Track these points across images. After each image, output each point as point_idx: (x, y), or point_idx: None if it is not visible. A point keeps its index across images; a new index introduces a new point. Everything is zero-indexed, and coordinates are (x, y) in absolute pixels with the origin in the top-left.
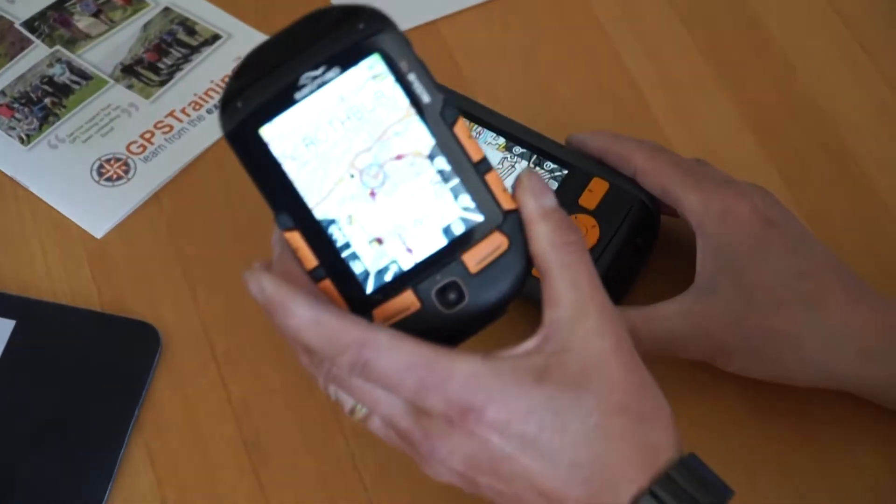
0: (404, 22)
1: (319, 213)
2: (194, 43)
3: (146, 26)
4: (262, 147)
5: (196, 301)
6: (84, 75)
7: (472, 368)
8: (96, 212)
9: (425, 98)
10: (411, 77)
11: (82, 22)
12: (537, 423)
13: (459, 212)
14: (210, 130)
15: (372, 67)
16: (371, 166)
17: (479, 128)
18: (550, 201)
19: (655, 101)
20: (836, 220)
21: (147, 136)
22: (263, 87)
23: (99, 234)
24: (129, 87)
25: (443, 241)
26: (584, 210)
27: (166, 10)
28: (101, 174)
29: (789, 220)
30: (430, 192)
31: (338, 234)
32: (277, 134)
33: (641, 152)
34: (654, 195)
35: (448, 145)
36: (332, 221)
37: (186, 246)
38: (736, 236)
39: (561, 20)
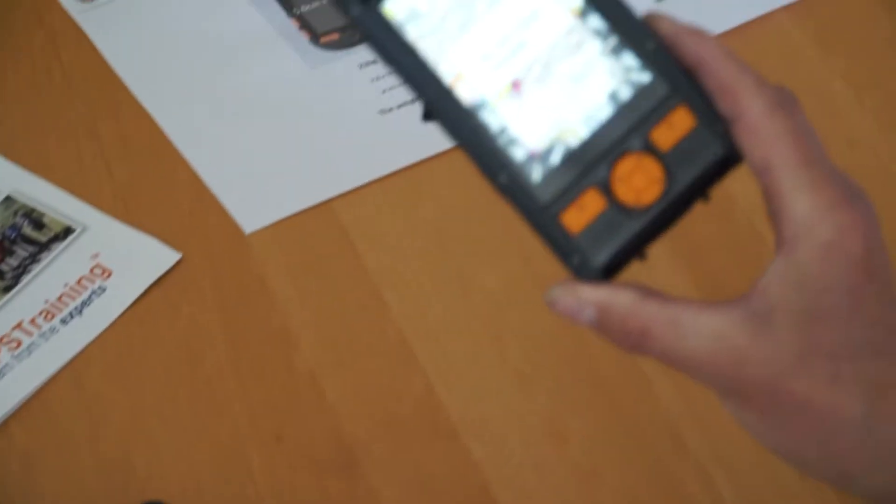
0: (293, 204)
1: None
2: (43, 239)
3: None
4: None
5: None
6: None
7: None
8: None
9: None
10: None
11: None
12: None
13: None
14: (66, 344)
15: None
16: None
17: None
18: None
19: None
20: None
21: None
22: None
23: None
24: None
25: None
26: (652, 150)
27: (8, 199)
28: None
29: (888, 275)
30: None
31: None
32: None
33: (761, 99)
34: (744, 157)
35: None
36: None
37: (44, 485)
38: (832, 281)
39: (479, 193)
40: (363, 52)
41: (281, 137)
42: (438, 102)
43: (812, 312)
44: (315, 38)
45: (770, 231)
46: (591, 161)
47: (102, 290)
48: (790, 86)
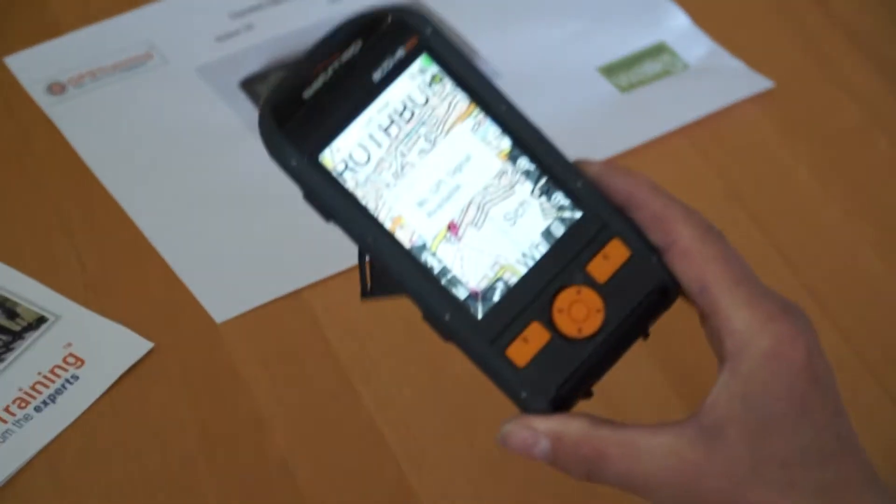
0: (263, 294)
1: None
2: (16, 328)
3: None
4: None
5: None
6: None
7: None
8: None
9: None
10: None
11: None
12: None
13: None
14: (40, 432)
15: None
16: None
17: (481, 114)
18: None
19: None
20: None
21: None
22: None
23: None
24: None
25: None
26: (590, 282)
27: None
28: None
29: (832, 380)
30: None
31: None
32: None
33: (687, 226)
34: (681, 284)
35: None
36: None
37: None
38: (777, 390)
39: None
40: None
41: (250, 229)
42: (380, 247)
43: (761, 422)
44: None
45: None
46: (531, 296)
47: (76, 378)
48: (756, 173)
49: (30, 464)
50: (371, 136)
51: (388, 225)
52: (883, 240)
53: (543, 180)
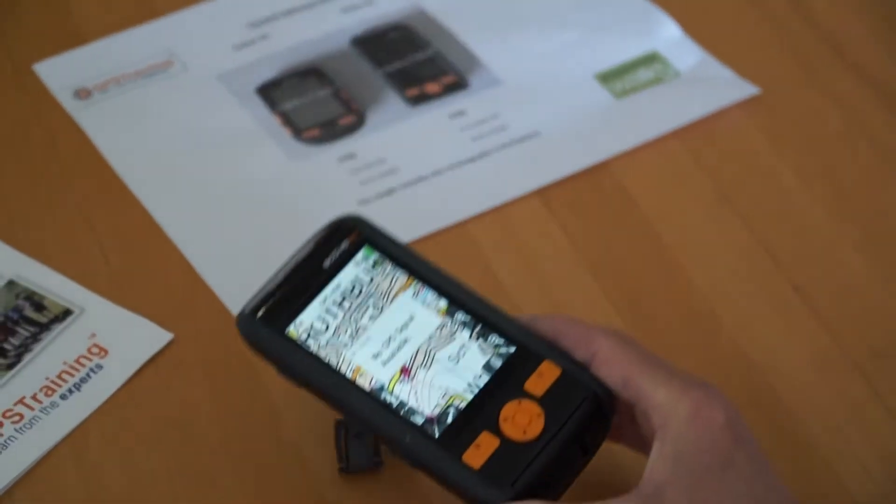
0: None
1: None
2: (43, 320)
3: None
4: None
5: None
6: None
7: None
8: None
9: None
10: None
11: None
12: None
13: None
14: (65, 418)
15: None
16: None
17: (420, 284)
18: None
19: None
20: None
21: None
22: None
23: None
24: None
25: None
26: (529, 396)
27: (10, 283)
28: None
29: (753, 441)
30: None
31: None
32: (303, 328)
33: (605, 338)
34: (610, 388)
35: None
36: (381, 387)
37: None
38: (703, 444)
39: None
40: (343, 146)
41: (266, 226)
42: (343, 392)
43: (695, 476)
44: (297, 133)
45: (754, 349)
46: (480, 413)
47: (99, 367)
48: (745, 175)
49: (55, 449)
50: (328, 311)
51: (349, 375)
52: (865, 240)
53: (479, 326)
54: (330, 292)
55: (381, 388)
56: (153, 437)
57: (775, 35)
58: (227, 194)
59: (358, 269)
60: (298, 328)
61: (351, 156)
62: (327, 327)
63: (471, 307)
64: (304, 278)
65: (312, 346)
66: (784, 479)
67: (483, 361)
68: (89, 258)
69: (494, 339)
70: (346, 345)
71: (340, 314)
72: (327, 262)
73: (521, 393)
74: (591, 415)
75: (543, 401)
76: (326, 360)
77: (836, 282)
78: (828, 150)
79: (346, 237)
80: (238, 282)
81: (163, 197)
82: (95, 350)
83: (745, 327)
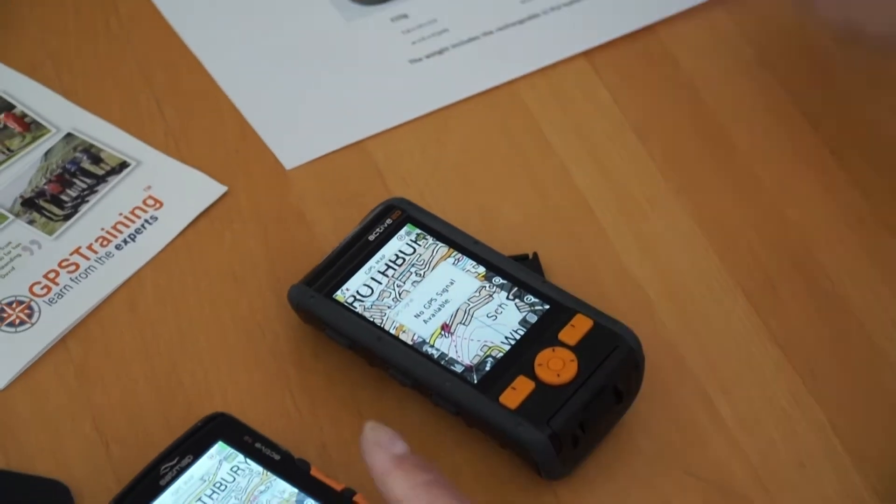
0: (330, 143)
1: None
2: (100, 172)
3: (47, 155)
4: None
5: (109, 456)
6: None
7: None
8: None
9: (275, 457)
10: (257, 446)
11: None
12: None
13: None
14: (120, 268)
15: (220, 451)
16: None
17: (459, 254)
18: (401, 448)
19: (608, 219)
20: (809, 341)
21: (51, 276)
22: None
23: (0, 385)
24: (31, 222)
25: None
26: (563, 344)
27: (69, 136)
28: (2, 319)
29: None
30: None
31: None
32: (350, 293)
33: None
34: (636, 341)
35: (311, 487)
36: (422, 342)
37: (97, 396)
38: None
39: (501, 135)
40: (395, 7)
41: (319, 83)
42: (387, 345)
43: None
44: None
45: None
46: (516, 360)
47: (154, 219)
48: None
49: (110, 298)
50: (373, 278)
51: (392, 331)
52: None
53: (515, 288)
54: (375, 262)
55: (423, 342)
56: (206, 286)
57: None
58: (283, 52)
59: (401, 242)
60: (345, 293)
61: (403, 16)
62: (372, 292)
63: (508, 272)
64: (352, 252)
65: (358, 308)
66: (818, 339)
67: (519, 318)
68: (147, 113)
69: (530, 298)
70: (389, 307)
71: (385, 280)
72: (372, 237)
73: (555, 341)
74: (623, 361)
75: (576, 348)
76: (371, 319)
77: (872, 145)
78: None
79: (389, 216)
80: (291, 137)
81: (220, 54)
82: (151, 202)
83: (785, 188)
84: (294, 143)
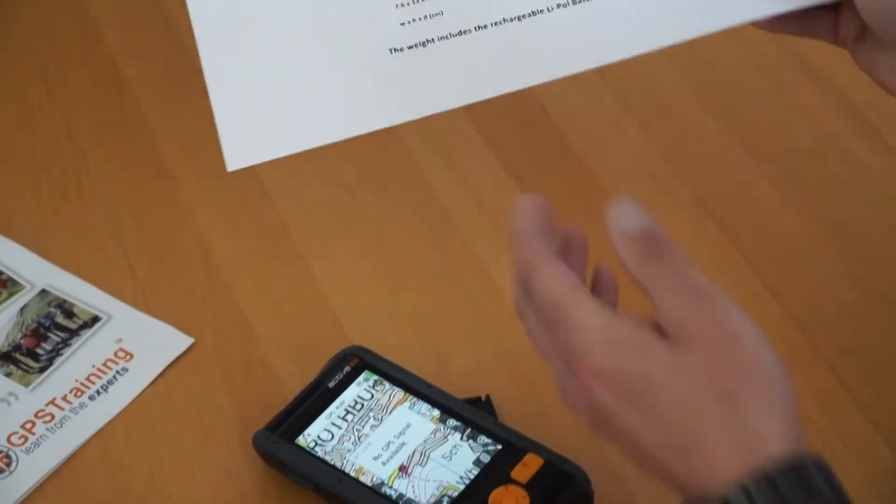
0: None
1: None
2: (73, 326)
3: (23, 310)
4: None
5: None
6: None
7: (591, 321)
8: None
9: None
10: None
11: None
12: (642, 382)
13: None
14: (93, 418)
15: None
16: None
17: (415, 398)
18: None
19: None
20: None
21: (28, 426)
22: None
23: None
24: (8, 374)
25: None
26: (515, 482)
27: (43, 292)
28: None
29: None
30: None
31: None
32: (311, 438)
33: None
34: (585, 478)
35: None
36: (381, 483)
37: None
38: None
39: (453, 284)
40: None
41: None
42: (348, 487)
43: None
44: None
45: None
46: (471, 500)
47: (125, 370)
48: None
49: (84, 446)
50: (333, 423)
51: (352, 474)
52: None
53: (469, 430)
54: (335, 408)
55: (382, 483)
56: (175, 434)
57: None
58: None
59: (360, 388)
60: (307, 438)
61: None
62: (332, 436)
63: (461, 414)
64: (313, 399)
65: (319, 452)
66: None
67: (473, 458)
68: (117, 269)
69: (483, 439)
70: (349, 450)
71: (344, 425)
72: (332, 384)
73: (507, 480)
74: (574, 498)
75: (528, 486)
76: (332, 463)
77: (806, 282)
78: (798, 163)
79: (348, 363)
80: (245, 133)
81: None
82: (122, 354)
83: None
84: (246, 140)
